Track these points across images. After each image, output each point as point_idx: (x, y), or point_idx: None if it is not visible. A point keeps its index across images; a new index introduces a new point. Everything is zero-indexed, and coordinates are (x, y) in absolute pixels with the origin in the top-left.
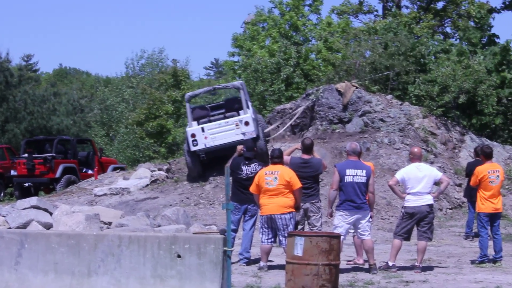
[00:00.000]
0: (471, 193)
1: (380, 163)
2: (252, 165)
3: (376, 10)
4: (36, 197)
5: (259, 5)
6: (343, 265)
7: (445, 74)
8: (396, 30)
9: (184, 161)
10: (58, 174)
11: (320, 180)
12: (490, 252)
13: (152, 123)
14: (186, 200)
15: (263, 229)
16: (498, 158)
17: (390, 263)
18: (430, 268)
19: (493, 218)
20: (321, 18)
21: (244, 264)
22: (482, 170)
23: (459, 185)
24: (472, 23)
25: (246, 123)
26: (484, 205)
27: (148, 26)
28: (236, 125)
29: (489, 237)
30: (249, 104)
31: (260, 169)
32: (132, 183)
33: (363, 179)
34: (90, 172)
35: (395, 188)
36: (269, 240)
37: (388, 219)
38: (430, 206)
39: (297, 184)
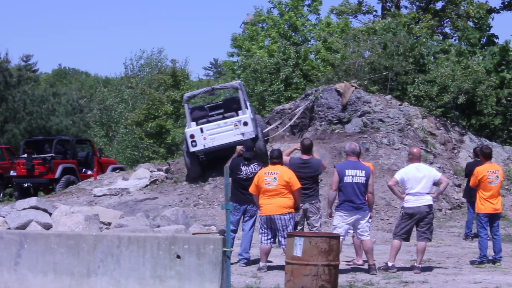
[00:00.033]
0: (470, 194)
1: (379, 163)
2: (252, 165)
3: (375, 11)
4: (36, 197)
5: (258, 5)
6: (342, 265)
7: (444, 74)
8: (395, 30)
9: (183, 161)
10: (57, 175)
11: (319, 181)
12: (490, 252)
13: (151, 124)
14: (186, 201)
15: (262, 230)
16: (497, 158)
17: (390, 264)
18: (429, 268)
19: (493, 218)
20: (320, 18)
21: (244, 265)
22: (482, 170)
23: (459, 186)
24: (471, 23)
25: (245, 124)
26: (483, 206)
27: (148, 26)
28: (235, 126)
29: (488, 238)
30: (248, 104)
31: (259, 170)
32: (132, 183)
33: (363, 180)
34: (89, 172)
35: (395, 189)
36: (269, 241)
37: (388, 219)
38: (430, 206)
39: (297, 184)
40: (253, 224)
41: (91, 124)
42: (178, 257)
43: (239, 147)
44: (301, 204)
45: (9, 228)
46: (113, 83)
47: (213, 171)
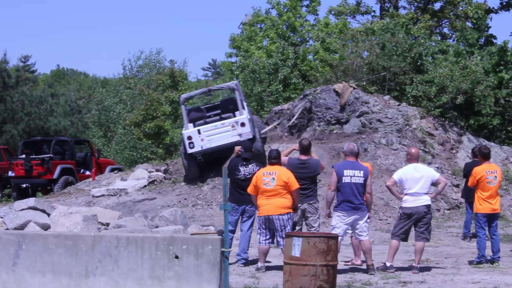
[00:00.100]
0: (468, 194)
1: (377, 163)
2: (250, 166)
3: (374, 11)
4: (34, 198)
5: (257, 6)
6: (341, 265)
7: (442, 74)
8: (394, 30)
9: (181, 162)
10: (55, 175)
11: (318, 181)
12: (488, 252)
13: (150, 124)
14: (184, 201)
15: (260, 230)
16: (495, 158)
17: (388, 264)
18: (428, 268)
19: (491, 218)
20: (319, 19)
21: (242, 265)
22: (480, 170)
23: (457, 186)
24: (469, 24)
25: (242, 124)
26: (482, 206)
27: (146, 27)
28: (232, 127)
29: (487, 238)
30: (245, 104)
31: (258, 170)
32: (130, 184)
33: (361, 180)
34: (87, 173)
35: (393, 189)
36: (267, 241)
37: (386, 219)
38: (428, 206)
39: (295, 185)
40: (252, 225)
41: (89, 125)
42: (177, 257)
43: (237, 148)
44: (299, 204)
45: (7, 229)
46: (111, 83)
47: (212, 171)
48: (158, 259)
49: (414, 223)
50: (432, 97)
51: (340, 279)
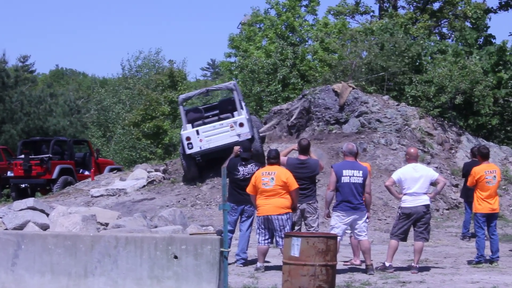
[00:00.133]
0: (467, 194)
1: (376, 163)
2: (249, 165)
3: (373, 11)
4: (33, 198)
5: (256, 6)
6: (340, 265)
7: (441, 74)
8: (393, 30)
9: (180, 162)
10: (54, 175)
11: (317, 181)
12: (487, 252)
13: (149, 124)
14: (183, 201)
15: (260, 230)
16: (494, 158)
17: (387, 264)
18: (427, 268)
19: (490, 218)
20: (318, 18)
21: (241, 265)
22: (479, 170)
23: (456, 186)
24: (468, 24)
25: (241, 125)
26: (481, 206)
27: (145, 27)
28: (231, 127)
29: (486, 238)
30: (243, 104)
31: (256, 170)
32: (129, 184)
33: (360, 180)
34: (86, 173)
35: (392, 189)
36: (266, 241)
37: (385, 219)
38: (427, 206)
39: (294, 184)
40: (251, 225)
41: (88, 125)
42: (176, 257)
43: (236, 148)
44: (298, 204)
45: (6, 229)
46: (110, 83)
47: (211, 171)
48: (157, 259)
49: (413, 223)
50: (431, 97)
51: (339, 279)
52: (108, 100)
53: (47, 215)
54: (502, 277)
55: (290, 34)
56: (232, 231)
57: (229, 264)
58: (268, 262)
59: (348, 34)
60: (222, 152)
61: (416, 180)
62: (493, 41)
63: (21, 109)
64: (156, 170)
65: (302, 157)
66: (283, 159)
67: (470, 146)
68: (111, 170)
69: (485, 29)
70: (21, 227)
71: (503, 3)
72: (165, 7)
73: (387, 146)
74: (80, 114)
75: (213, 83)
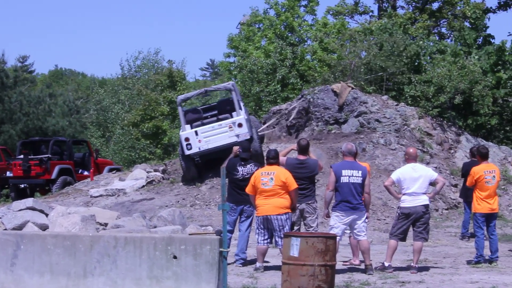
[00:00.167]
0: (467, 194)
1: (376, 163)
2: (248, 166)
3: (372, 11)
4: (32, 198)
5: (255, 6)
6: (339, 265)
7: (440, 74)
8: (392, 30)
9: (179, 162)
10: (54, 175)
11: (316, 181)
12: (486, 252)
13: (148, 124)
14: (182, 201)
15: (259, 230)
16: (493, 158)
17: (386, 264)
18: (426, 268)
19: (489, 218)
20: (317, 18)
21: (240, 265)
22: (478, 170)
23: (455, 186)
24: (467, 24)
25: (240, 125)
26: (480, 206)
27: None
28: (230, 128)
29: (485, 238)
30: (242, 105)
31: (256, 170)
32: (128, 184)
33: (359, 180)
34: (86, 173)
35: (391, 189)
36: (265, 241)
37: (384, 219)
38: (426, 206)
39: (293, 185)
40: (250, 225)
41: (87, 125)
42: (175, 257)
43: (235, 148)
44: (297, 204)
45: (5, 229)
46: (109, 84)
47: (210, 171)
48: (157, 259)
49: (412, 223)
50: (430, 97)
51: (339, 279)
52: (107, 100)
53: (46, 215)
54: (501, 277)
55: (289, 34)
56: (231, 231)
57: (228, 264)
58: (267, 262)
59: (347, 34)
60: (221, 152)
61: (415, 180)
62: (492, 41)
63: (20, 109)
64: (155, 170)
65: (301, 157)
66: (282, 159)
67: (469, 146)
68: (110, 170)
69: (484, 29)
70: (20, 227)
71: (502, 3)
72: (165, 7)
73: (386, 146)
74: (79, 114)
75: (212, 83)
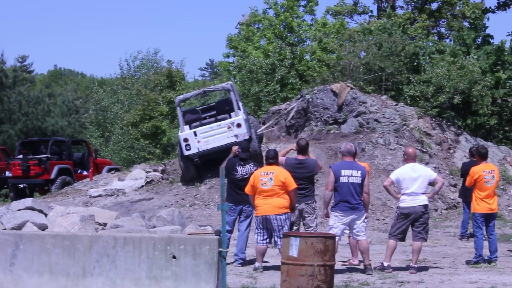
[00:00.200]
0: (466, 194)
1: (375, 163)
2: (247, 165)
3: (371, 11)
4: (31, 198)
5: (254, 5)
6: (338, 265)
7: (439, 74)
8: (391, 30)
9: (178, 162)
10: (53, 175)
11: (315, 181)
12: (485, 252)
13: (147, 124)
14: (181, 201)
15: (258, 230)
16: (493, 158)
17: (385, 264)
18: (425, 268)
19: (488, 218)
20: (316, 18)
21: (239, 265)
22: (478, 170)
23: (454, 186)
24: (466, 24)
25: (238, 125)
26: (479, 206)
27: (143, 27)
28: (228, 128)
29: (484, 238)
30: (240, 105)
31: (255, 170)
32: (127, 184)
33: (358, 180)
34: (85, 173)
35: (390, 189)
36: (264, 241)
37: (383, 219)
38: (425, 206)
39: (292, 184)
40: (249, 225)
41: (86, 125)
42: (174, 257)
43: (235, 148)
44: (297, 204)
45: (4, 229)
46: (108, 83)
47: (209, 171)
48: (156, 259)
49: (412, 223)
50: (430, 97)
51: (338, 279)
52: (106, 100)
53: (46, 215)
54: (500, 277)
55: (289, 34)
56: (231, 231)
57: (228, 264)
58: (266, 262)
59: (347, 34)
60: (220, 153)
61: (414, 180)
62: (492, 41)
63: (19, 109)
64: (155, 170)
65: (301, 157)
66: (281, 159)
67: (468, 146)
68: (110, 170)
69: (483, 29)
70: (19, 227)
71: (501, 2)
72: (164, 7)
73: (385, 146)
74: (79, 114)
75: (212, 83)
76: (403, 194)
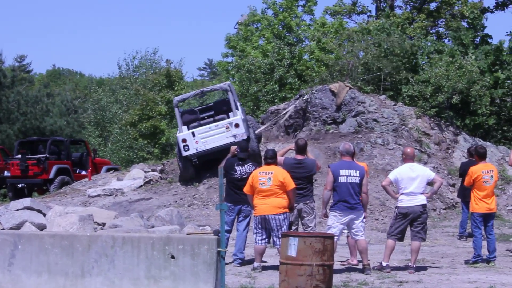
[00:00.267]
0: (464, 193)
1: (373, 163)
2: (246, 165)
3: (370, 11)
4: (30, 198)
5: (252, 5)
6: (337, 265)
7: (438, 74)
8: (389, 30)
9: (177, 163)
10: (51, 175)
11: (314, 181)
12: (484, 252)
13: (146, 124)
14: (180, 201)
15: (257, 230)
16: (491, 158)
17: (384, 264)
18: (424, 268)
19: (487, 218)
20: (315, 18)
21: (238, 265)
22: (476, 170)
23: (453, 186)
24: (464, 24)
25: (237, 125)
26: (478, 205)
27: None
28: (227, 128)
29: (483, 237)
30: (238, 105)
31: (254, 170)
32: (126, 184)
33: (357, 180)
34: (83, 173)
35: (389, 189)
36: (263, 241)
37: (382, 219)
38: (424, 206)
39: (291, 184)
40: (248, 224)
41: (85, 125)
42: (173, 257)
43: (233, 148)
44: (295, 204)
45: (3, 229)
46: (107, 83)
47: (208, 171)
48: (154, 259)
49: (410, 222)
50: (428, 97)
51: (336, 278)
52: (105, 100)
53: (44, 215)
54: (499, 277)
55: (287, 34)
56: (229, 231)
57: (226, 264)
58: (265, 262)
59: (345, 34)
60: (219, 153)
61: (412, 180)
62: (490, 41)
63: (17, 109)
64: (153, 170)
65: (299, 157)
66: (280, 159)
67: (467, 146)
68: (108, 170)
69: (481, 29)
70: (18, 227)
71: (499, 2)
72: (162, 7)
73: (384, 146)
74: (77, 114)
75: (210, 83)
76: (401, 194)
